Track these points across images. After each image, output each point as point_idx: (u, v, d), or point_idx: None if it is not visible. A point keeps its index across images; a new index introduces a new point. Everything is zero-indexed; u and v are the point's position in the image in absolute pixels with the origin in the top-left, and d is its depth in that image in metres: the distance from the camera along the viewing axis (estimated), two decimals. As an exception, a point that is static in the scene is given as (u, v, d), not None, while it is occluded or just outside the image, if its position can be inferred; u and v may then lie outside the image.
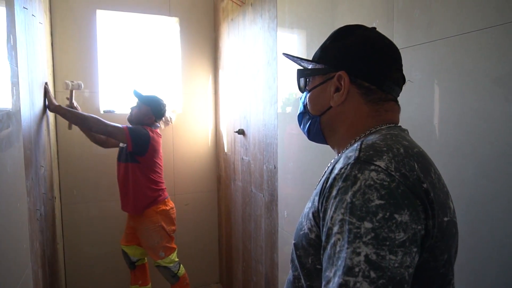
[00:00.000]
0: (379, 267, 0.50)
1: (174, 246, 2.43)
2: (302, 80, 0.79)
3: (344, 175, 0.57)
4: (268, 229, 2.13)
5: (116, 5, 2.68)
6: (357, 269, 0.50)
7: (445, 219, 0.60)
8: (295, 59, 0.81)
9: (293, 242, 0.71)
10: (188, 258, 2.65)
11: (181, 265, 2.45)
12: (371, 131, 0.69)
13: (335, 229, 0.55)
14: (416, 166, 0.59)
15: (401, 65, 0.74)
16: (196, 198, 3.02)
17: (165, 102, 2.43)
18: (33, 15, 1.76)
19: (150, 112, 2.34)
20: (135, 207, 2.33)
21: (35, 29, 1.81)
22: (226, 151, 2.84)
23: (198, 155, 3.01)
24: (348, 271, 0.50)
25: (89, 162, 2.65)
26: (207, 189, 3.07)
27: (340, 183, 0.57)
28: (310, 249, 0.65)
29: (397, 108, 0.73)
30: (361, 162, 0.57)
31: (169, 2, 2.82)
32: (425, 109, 1.05)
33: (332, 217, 0.56)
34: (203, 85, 2.99)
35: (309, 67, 0.77)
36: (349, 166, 0.58)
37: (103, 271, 2.75)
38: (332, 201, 0.57)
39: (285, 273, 1.96)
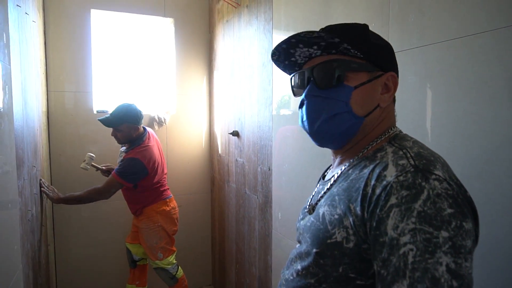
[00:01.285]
0: (459, 276, 0.51)
1: (174, 248, 2.43)
2: (339, 72, 0.68)
3: (407, 183, 0.56)
4: (262, 231, 2.13)
5: (111, 5, 2.66)
6: (442, 280, 0.50)
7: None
8: (330, 40, 0.66)
9: (313, 250, 0.67)
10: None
11: (180, 267, 2.45)
12: (388, 135, 0.71)
13: (405, 239, 0.53)
14: (455, 175, 0.61)
15: None
16: (189, 200, 3.00)
17: (131, 102, 2.32)
18: (26, 13, 1.74)
19: (131, 125, 2.26)
20: (136, 210, 2.38)
21: (28, 27, 1.79)
22: (220, 152, 2.84)
23: (192, 156, 3.00)
24: (436, 282, 0.50)
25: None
26: (200, 190, 3.06)
27: (402, 192, 0.55)
28: (344, 258, 0.62)
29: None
30: (422, 171, 0.57)
31: (164, 2, 2.81)
32: (419, 112, 1.06)
33: (397, 226, 0.54)
34: (197, 86, 2.98)
35: (356, 60, 0.68)
36: (410, 174, 0.57)
37: (95, 272, 2.72)
38: (394, 209, 0.55)
39: (279, 275, 1.95)
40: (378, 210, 0.57)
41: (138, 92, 2.94)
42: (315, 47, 0.69)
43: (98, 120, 2.26)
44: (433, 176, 0.56)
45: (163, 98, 2.99)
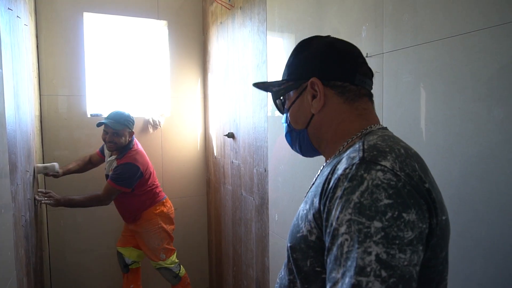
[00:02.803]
0: (389, 266, 0.50)
1: (174, 248, 2.46)
2: (278, 102, 0.81)
3: (350, 175, 0.57)
4: (259, 232, 2.12)
5: (104, 8, 2.65)
6: (368, 269, 0.50)
7: (443, 217, 0.61)
8: (265, 85, 0.82)
9: (288, 245, 0.70)
10: (143, 264, 2.62)
11: (181, 266, 2.48)
12: (362, 133, 0.70)
13: (342, 229, 0.55)
14: (416, 166, 0.60)
15: (365, 59, 0.76)
16: (185, 203, 2.99)
17: (122, 109, 2.34)
18: (18, 16, 1.72)
19: (130, 131, 2.30)
20: (134, 217, 2.37)
21: (20, 31, 1.78)
22: (215, 154, 2.83)
23: (187, 159, 2.99)
24: (360, 271, 0.50)
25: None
26: (196, 193, 3.05)
27: (345, 183, 0.57)
28: (310, 251, 0.64)
29: (371, 105, 0.75)
30: (367, 162, 0.58)
31: (157, 5, 2.80)
32: (414, 111, 1.07)
33: (338, 217, 0.56)
34: (191, 88, 2.97)
35: (282, 87, 0.79)
36: (354, 166, 0.58)
37: (90, 278, 2.69)
38: (337, 201, 0.57)
39: (276, 276, 1.95)
40: (328, 202, 0.59)
41: (132, 95, 2.92)
42: (270, 87, 0.82)
43: (103, 122, 2.23)
44: (378, 167, 0.56)
45: (158, 101, 2.98)
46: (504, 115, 0.84)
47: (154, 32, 2.96)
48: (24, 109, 1.81)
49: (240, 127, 2.33)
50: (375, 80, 1.19)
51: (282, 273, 0.75)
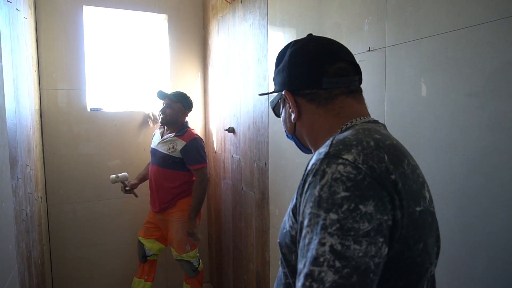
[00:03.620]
0: (343, 257, 0.51)
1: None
2: (275, 109, 0.87)
3: (314, 170, 0.59)
4: (260, 227, 2.12)
5: (104, 1, 2.63)
6: (322, 259, 0.51)
7: (418, 208, 0.60)
8: (267, 93, 0.94)
9: (278, 241, 0.72)
10: (159, 258, 2.63)
11: (201, 260, 2.53)
12: (343, 128, 0.70)
13: (305, 222, 0.57)
14: (386, 157, 0.60)
15: (341, 55, 0.73)
16: (185, 197, 2.98)
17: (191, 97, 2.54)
18: (17, 9, 1.71)
19: (183, 108, 2.44)
20: (169, 204, 2.41)
21: (19, 24, 1.76)
22: (215, 149, 2.83)
23: (188, 153, 2.98)
24: (314, 261, 0.52)
25: (75, 162, 2.60)
26: (196, 188, 3.05)
27: (310, 178, 0.59)
28: (293, 246, 0.66)
29: (350, 100, 0.72)
30: (330, 157, 0.59)
31: (157, -2, 2.78)
32: (417, 105, 1.06)
33: (303, 211, 0.58)
34: (192, 82, 2.96)
35: (274, 96, 0.85)
36: (319, 162, 0.60)
37: (91, 273, 2.70)
38: (304, 196, 0.60)
39: (277, 271, 1.96)
40: (300, 197, 0.62)
41: (132, 89, 2.91)
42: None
43: (158, 91, 2.41)
44: (339, 161, 0.57)
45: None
46: (508, 110, 0.83)
47: (154, 26, 2.94)
48: (24, 103, 1.80)
49: (241, 122, 2.32)
50: (377, 74, 1.19)
51: (280, 267, 0.76)
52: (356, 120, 0.71)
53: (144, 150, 2.80)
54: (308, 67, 0.73)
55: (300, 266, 0.55)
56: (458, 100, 0.94)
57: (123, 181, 2.47)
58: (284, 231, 0.68)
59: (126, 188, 2.49)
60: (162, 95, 2.42)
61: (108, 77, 2.82)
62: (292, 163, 1.75)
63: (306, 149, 0.83)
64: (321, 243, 0.52)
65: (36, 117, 2.32)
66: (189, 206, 2.38)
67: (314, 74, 0.72)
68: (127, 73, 2.89)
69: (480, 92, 0.89)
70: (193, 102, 2.53)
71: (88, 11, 2.62)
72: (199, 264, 2.48)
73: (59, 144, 2.55)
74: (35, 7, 2.41)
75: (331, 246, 0.52)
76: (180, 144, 2.35)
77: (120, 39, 2.85)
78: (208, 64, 2.90)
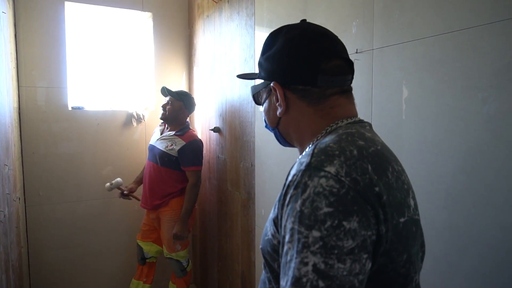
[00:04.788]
0: (327, 276, 0.49)
1: (189, 241, 2.50)
2: (255, 95, 0.80)
3: (296, 182, 0.56)
4: (245, 227, 2.12)
5: (86, -3, 2.57)
6: (304, 279, 0.49)
7: (402, 220, 0.59)
8: (247, 76, 0.82)
9: (260, 247, 0.70)
10: (161, 259, 2.59)
11: (190, 261, 2.51)
12: (328, 130, 0.68)
13: (287, 238, 0.54)
14: (369, 168, 0.57)
15: (338, 51, 0.69)
16: (169, 198, 2.95)
17: (194, 97, 2.52)
18: (-4, 3, 1.65)
19: (183, 107, 2.41)
20: (162, 202, 2.37)
21: (-2, 18, 1.70)
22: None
23: (172, 153, 2.95)
24: (296, 281, 0.50)
25: (55, 162, 2.52)
26: (181, 188, 3.01)
27: (291, 190, 0.56)
28: (275, 255, 0.64)
29: (343, 100, 0.70)
30: (312, 169, 0.56)
31: (142, -4, 2.74)
32: (403, 106, 1.08)
33: (285, 226, 0.55)
34: (177, 82, 2.93)
35: (257, 83, 0.78)
36: (300, 173, 0.57)
37: (71, 275, 2.63)
38: (285, 209, 0.57)
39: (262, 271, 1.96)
40: (281, 208, 0.59)
41: (116, 88, 2.85)
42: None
43: (162, 87, 2.43)
44: (322, 173, 0.54)
45: (142, 94, 2.92)
46: (492, 113, 0.86)
47: (139, 24, 2.89)
48: (2, 101, 1.74)
49: (227, 122, 2.31)
50: (364, 75, 1.20)
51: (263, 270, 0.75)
52: (342, 121, 0.68)
53: (128, 150, 2.75)
54: (303, 61, 0.67)
55: (282, 283, 0.53)
56: (443, 102, 0.96)
57: (118, 186, 2.45)
58: (266, 238, 0.66)
59: (124, 192, 2.46)
60: (164, 92, 2.42)
61: (91, 75, 2.76)
62: (278, 163, 1.75)
63: (286, 143, 0.78)
64: (304, 263, 0.50)
65: (15, 116, 2.24)
66: (182, 207, 2.35)
67: (310, 70, 0.67)
68: (111, 72, 2.83)
69: (465, 94, 0.91)
70: (195, 103, 2.51)
71: (70, 7, 2.56)
72: (188, 265, 2.46)
73: (38, 144, 2.47)
74: (13, 1, 2.33)
75: (314, 265, 0.49)
76: (179, 143, 2.32)
77: (104, 37, 2.79)
78: (193, 63, 2.88)
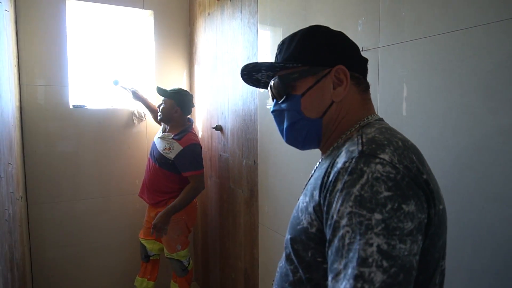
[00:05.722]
0: (390, 256, 0.52)
1: (189, 240, 2.47)
2: (281, 86, 0.74)
3: (350, 168, 0.58)
4: (248, 225, 2.13)
5: (87, -5, 2.56)
6: (370, 260, 0.51)
7: (441, 207, 0.63)
8: (264, 66, 0.76)
9: (289, 237, 0.71)
10: (162, 257, 2.59)
11: (191, 259, 2.50)
12: (361, 124, 0.71)
13: (343, 221, 0.56)
14: (414, 158, 0.61)
15: None
16: (171, 196, 2.95)
17: (190, 93, 2.44)
18: (-1, 1, 1.65)
19: (175, 105, 2.33)
20: (161, 201, 2.35)
21: (1, 16, 1.70)
22: (202, 147, 2.80)
23: (173, 151, 2.95)
24: (363, 262, 0.52)
25: (56, 160, 2.52)
26: (182, 186, 3.02)
27: (346, 177, 0.58)
28: (310, 243, 0.65)
29: (370, 96, 0.79)
30: (366, 156, 0.59)
31: (142, -6, 2.73)
32: (410, 104, 1.10)
33: (339, 210, 0.57)
34: (177, 80, 2.93)
35: (293, 71, 0.73)
36: (354, 160, 0.59)
37: (73, 273, 2.63)
38: (338, 194, 0.58)
39: (266, 268, 1.97)
40: (328, 195, 0.60)
41: (117, 86, 2.84)
42: (263, 71, 0.79)
43: (156, 87, 2.38)
44: (377, 160, 0.57)
45: (143, 92, 2.91)
46: (498, 109, 0.87)
47: (140, 22, 2.89)
48: (6, 99, 1.74)
49: (229, 120, 2.32)
50: (371, 73, 1.21)
51: (283, 262, 0.76)
52: (372, 116, 0.73)
53: (129, 148, 2.75)
54: (357, 52, 0.76)
55: (337, 266, 0.55)
56: (450, 99, 0.98)
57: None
58: (299, 227, 0.67)
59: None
60: (158, 91, 2.37)
61: (92, 73, 2.75)
62: (283, 161, 1.76)
63: (315, 141, 0.75)
64: (369, 244, 0.52)
65: (17, 114, 2.24)
66: (185, 205, 2.30)
67: (362, 62, 0.75)
68: (112, 70, 2.82)
69: (472, 92, 0.92)
70: (191, 101, 2.41)
71: (71, 5, 2.55)
72: (189, 264, 2.46)
73: (40, 142, 2.47)
74: (14, -1, 2.32)
75: (378, 246, 0.52)
76: (177, 148, 2.26)
77: (105, 35, 2.78)
78: (194, 61, 2.87)
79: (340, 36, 0.76)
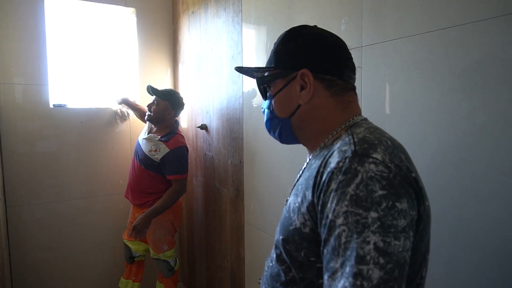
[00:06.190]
0: (386, 253, 0.53)
1: (175, 240, 2.45)
2: (262, 88, 0.81)
3: (344, 168, 0.59)
4: (234, 224, 2.13)
5: (67, -9, 2.50)
6: (368, 257, 0.53)
7: (427, 203, 0.66)
8: (249, 70, 0.82)
9: (280, 237, 0.71)
10: (149, 256, 2.56)
11: (177, 260, 2.48)
12: (346, 125, 0.72)
13: (339, 221, 0.56)
14: (403, 157, 0.63)
15: (351, 54, 0.78)
16: (155, 196, 2.92)
17: (182, 95, 2.43)
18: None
19: (169, 107, 2.31)
20: (147, 201, 2.31)
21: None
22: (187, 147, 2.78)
23: (157, 151, 2.92)
24: (361, 259, 0.53)
25: (37, 161, 2.45)
26: (166, 186, 2.99)
27: (340, 177, 0.59)
28: (304, 243, 0.66)
29: (356, 97, 0.78)
30: (359, 155, 0.60)
31: (124, -9, 2.69)
32: (392, 102, 1.11)
33: (334, 209, 0.58)
34: (161, 79, 2.90)
35: (266, 74, 0.79)
36: (347, 160, 0.60)
37: (55, 276, 2.57)
38: (332, 194, 0.59)
39: (252, 267, 1.97)
40: (322, 195, 0.61)
41: (99, 85, 2.79)
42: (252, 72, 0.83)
43: (147, 86, 2.33)
44: (370, 160, 0.59)
45: (126, 92, 2.87)
46: (476, 107, 0.90)
47: (122, 20, 2.84)
48: (-18, 98, 1.68)
49: (214, 119, 2.31)
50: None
51: (273, 262, 0.76)
52: (357, 117, 0.74)
53: (112, 148, 2.70)
54: (334, 54, 0.74)
55: (333, 264, 0.56)
56: (431, 98, 1.00)
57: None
58: (291, 228, 0.68)
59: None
60: (149, 91, 2.32)
61: (74, 72, 2.69)
62: (268, 159, 1.76)
63: (290, 137, 0.80)
64: (366, 242, 0.53)
65: (-7, 114, 2.17)
66: (169, 209, 2.29)
67: (338, 63, 0.74)
68: (94, 68, 2.77)
69: (452, 90, 0.95)
70: (183, 103, 2.41)
71: (50, 1, 2.48)
72: (175, 264, 2.44)
73: (18, 142, 2.40)
74: (-10, -5, 2.24)
75: (375, 243, 0.53)
76: (163, 150, 2.22)
77: (87, 33, 2.72)
78: (178, 60, 2.85)
79: (318, 38, 0.75)
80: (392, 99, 1.11)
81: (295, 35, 0.76)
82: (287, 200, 0.79)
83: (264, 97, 0.82)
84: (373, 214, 0.54)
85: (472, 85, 0.90)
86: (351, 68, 0.76)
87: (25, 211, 2.44)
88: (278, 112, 0.78)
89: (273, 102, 0.78)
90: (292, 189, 0.77)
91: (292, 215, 0.69)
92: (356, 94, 0.78)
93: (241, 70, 0.85)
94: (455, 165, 0.95)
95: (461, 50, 0.92)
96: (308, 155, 0.82)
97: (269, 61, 0.80)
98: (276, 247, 0.74)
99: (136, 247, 2.42)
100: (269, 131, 0.83)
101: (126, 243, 2.43)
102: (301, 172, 0.79)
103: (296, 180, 0.79)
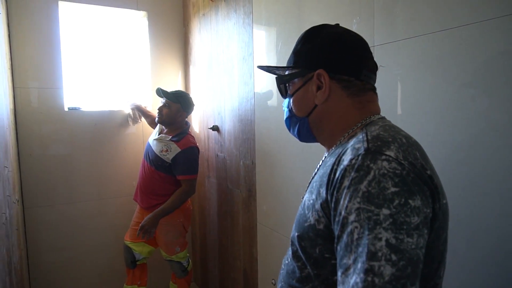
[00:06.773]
0: (398, 250, 0.53)
1: (187, 241, 2.47)
2: (282, 86, 0.82)
3: (356, 165, 0.59)
4: (246, 224, 2.13)
5: (80, -3, 2.55)
6: (379, 254, 0.53)
7: (444, 201, 0.65)
8: (270, 69, 0.85)
9: (296, 234, 0.72)
10: (160, 259, 2.59)
11: (190, 260, 2.50)
12: (363, 123, 0.73)
13: (352, 217, 0.57)
14: (418, 154, 0.63)
15: (371, 53, 0.78)
16: (168, 197, 2.95)
17: (191, 96, 2.45)
18: (-8, 4, 1.63)
19: (181, 109, 2.33)
20: (157, 203, 2.30)
21: (-6, 19, 1.68)
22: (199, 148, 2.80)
23: (169, 152, 2.95)
24: (372, 256, 0.53)
25: (53, 163, 2.51)
26: (179, 187, 3.01)
27: (352, 174, 0.59)
28: (318, 239, 0.66)
29: (376, 97, 0.78)
30: (372, 153, 0.60)
31: (136, -5, 2.73)
32: (405, 102, 1.11)
33: (347, 206, 0.58)
34: (173, 81, 2.93)
35: (286, 73, 0.81)
36: (360, 157, 0.60)
37: (70, 276, 2.62)
38: (345, 191, 0.59)
39: (265, 267, 1.98)
40: (335, 192, 0.61)
41: (112, 87, 2.84)
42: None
43: (157, 89, 2.33)
44: (383, 157, 0.59)
45: (138, 94, 2.91)
46: (491, 105, 0.89)
47: (134, 23, 2.88)
48: (0, 102, 1.73)
49: (225, 120, 2.32)
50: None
51: (288, 260, 0.76)
52: (374, 116, 0.74)
53: (125, 150, 2.74)
54: (352, 54, 0.74)
55: (346, 261, 0.56)
56: (445, 96, 0.99)
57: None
58: (306, 224, 0.68)
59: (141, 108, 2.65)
60: (160, 93, 2.32)
61: (87, 75, 2.74)
62: (280, 160, 1.77)
63: (309, 136, 0.81)
64: (377, 238, 0.53)
65: (11, 117, 2.22)
66: (179, 210, 2.30)
67: (356, 63, 0.73)
68: (107, 71, 2.81)
69: (464, 88, 0.94)
70: (194, 103, 2.42)
71: (64, 6, 2.53)
72: (188, 264, 2.45)
73: (35, 145, 2.45)
74: (6, 1, 2.30)
75: (387, 240, 0.53)
76: (174, 150, 2.24)
77: (99, 37, 2.77)
78: (189, 62, 2.87)
79: (335, 38, 0.75)
80: (404, 99, 1.11)
81: (314, 35, 0.77)
82: (303, 197, 0.79)
83: (284, 95, 0.83)
84: (385, 211, 0.55)
85: (485, 83, 0.89)
86: (371, 68, 0.76)
87: (41, 212, 2.49)
88: (296, 111, 0.80)
89: (291, 101, 0.80)
90: (308, 187, 0.78)
91: (306, 212, 0.69)
92: (376, 94, 0.78)
93: (262, 68, 0.87)
94: (468, 164, 0.94)
95: (473, 49, 0.91)
96: (325, 153, 0.83)
97: (289, 61, 0.81)
98: (292, 244, 0.74)
99: (140, 249, 2.36)
100: (289, 129, 0.85)
101: (129, 245, 2.36)
102: (316, 169, 0.80)
103: (311, 177, 0.80)
